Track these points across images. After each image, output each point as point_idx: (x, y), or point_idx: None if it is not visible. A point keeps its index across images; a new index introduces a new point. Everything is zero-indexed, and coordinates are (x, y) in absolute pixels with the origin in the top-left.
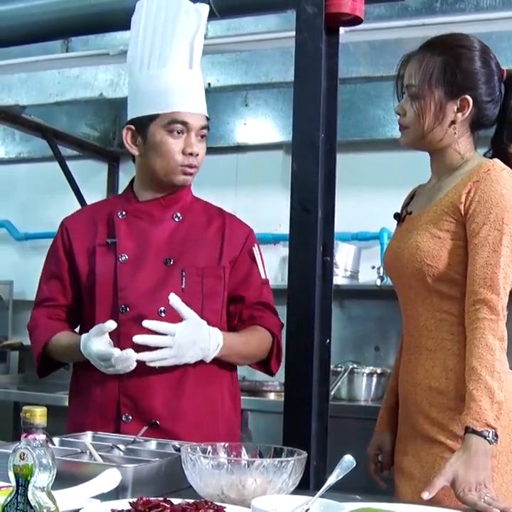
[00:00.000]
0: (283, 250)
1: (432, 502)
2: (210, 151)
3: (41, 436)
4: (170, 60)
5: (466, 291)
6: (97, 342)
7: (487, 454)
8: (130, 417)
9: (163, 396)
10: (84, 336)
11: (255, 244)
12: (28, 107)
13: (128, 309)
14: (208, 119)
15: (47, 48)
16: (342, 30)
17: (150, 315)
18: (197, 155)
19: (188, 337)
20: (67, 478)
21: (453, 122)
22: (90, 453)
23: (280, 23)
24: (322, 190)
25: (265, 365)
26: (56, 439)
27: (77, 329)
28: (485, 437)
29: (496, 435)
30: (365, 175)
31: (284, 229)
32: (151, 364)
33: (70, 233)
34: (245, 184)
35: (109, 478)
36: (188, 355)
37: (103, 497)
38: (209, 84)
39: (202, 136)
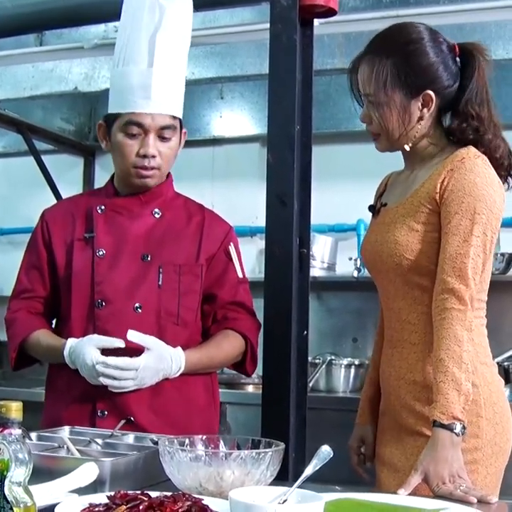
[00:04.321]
0: (260, 243)
1: (410, 492)
2: (186, 144)
3: (17, 431)
4: (131, 58)
5: (436, 279)
6: (96, 352)
7: (455, 446)
8: (106, 413)
9: (138, 393)
10: (74, 342)
11: (232, 243)
12: (2, 101)
13: (104, 304)
14: (175, 117)
15: (20, 42)
16: (316, 22)
17: (126, 311)
18: (153, 156)
19: (150, 370)
20: (44, 472)
21: (420, 118)
22: (67, 447)
23: (255, 15)
24: (298, 183)
25: (240, 366)
26: (33, 434)
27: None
28: (452, 430)
29: (464, 427)
30: (341, 167)
31: (261, 221)
32: (120, 390)
33: (49, 225)
34: (222, 177)
35: (87, 473)
36: (149, 383)
37: (81, 491)
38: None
39: (164, 137)
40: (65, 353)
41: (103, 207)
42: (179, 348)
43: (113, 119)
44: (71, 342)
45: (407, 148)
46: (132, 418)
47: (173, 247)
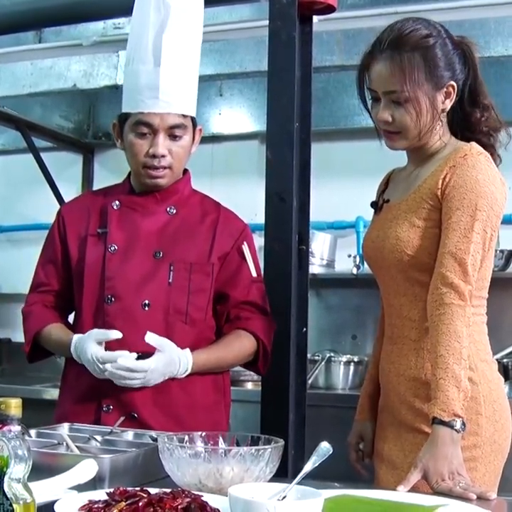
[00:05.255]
0: (259, 240)
1: (410, 489)
2: None
3: (16, 428)
4: (139, 57)
5: (433, 273)
6: (96, 347)
7: (455, 443)
8: (111, 407)
9: (145, 390)
10: (77, 337)
11: (246, 242)
12: (0, 98)
13: (113, 299)
14: (186, 116)
15: (19, 39)
16: (315, 18)
17: (134, 307)
18: (163, 156)
19: (158, 372)
20: (43, 469)
21: (443, 111)
22: (67, 444)
23: (253, 12)
24: (297, 180)
25: (252, 366)
26: (32, 431)
27: (71, 316)
28: (452, 427)
29: (464, 423)
30: (340, 164)
31: (260, 218)
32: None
33: (65, 220)
34: (221, 174)
35: (86, 469)
36: (153, 383)
37: (80, 488)
38: None
39: (175, 136)
40: (72, 348)
41: (118, 203)
42: (187, 350)
43: (124, 119)
44: (76, 337)
45: (422, 145)
46: (136, 414)
47: (185, 245)
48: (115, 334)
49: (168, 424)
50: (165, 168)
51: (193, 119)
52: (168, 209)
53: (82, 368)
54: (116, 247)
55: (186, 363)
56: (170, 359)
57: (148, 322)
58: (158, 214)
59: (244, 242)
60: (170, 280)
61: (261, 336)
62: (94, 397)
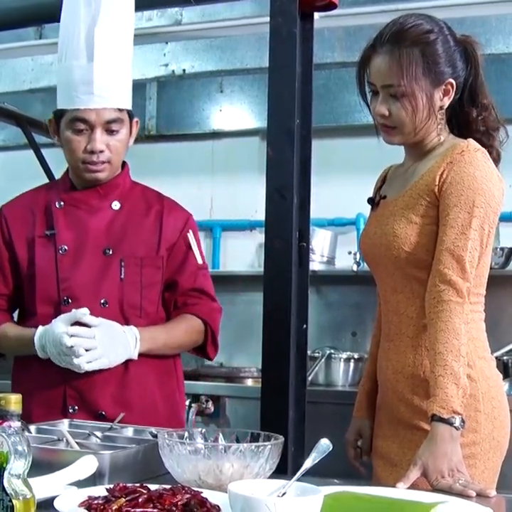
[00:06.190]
0: (259, 236)
1: (409, 486)
2: (186, 138)
3: (16, 424)
4: (72, 53)
5: (431, 270)
6: (65, 326)
7: (455, 440)
8: (77, 408)
9: (107, 388)
10: (42, 327)
11: (191, 230)
12: (1, 94)
13: (70, 301)
14: (122, 110)
15: (20, 35)
16: (316, 15)
17: (92, 306)
18: (101, 151)
19: (106, 335)
20: (43, 465)
21: (441, 108)
22: (67, 440)
23: (254, 8)
24: (298, 176)
25: (202, 350)
26: (32, 427)
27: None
28: (451, 424)
29: (463, 420)
30: (341, 161)
31: (261, 215)
32: (88, 367)
33: (8, 222)
34: (221, 171)
35: (86, 465)
36: (114, 354)
37: (80, 484)
38: (184, 70)
39: (112, 131)
40: (35, 338)
41: (62, 202)
42: (131, 326)
43: (60, 115)
44: (41, 328)
45: (418, 141)
46: (104, 413)
47: (133, 240)
48: (82, 311)
49: (133, 418)
50: (104, 162)
51: (129, 112)
52: (112, 205)
53: (42, 368)
54: (66, 248)
55: (133, 333)
56: (109, 326)
57: (107, 319)
58: (103, 210)
59: (190, 231)
60: (122, 276)
61: (208, 319)
62: (58, 398)
